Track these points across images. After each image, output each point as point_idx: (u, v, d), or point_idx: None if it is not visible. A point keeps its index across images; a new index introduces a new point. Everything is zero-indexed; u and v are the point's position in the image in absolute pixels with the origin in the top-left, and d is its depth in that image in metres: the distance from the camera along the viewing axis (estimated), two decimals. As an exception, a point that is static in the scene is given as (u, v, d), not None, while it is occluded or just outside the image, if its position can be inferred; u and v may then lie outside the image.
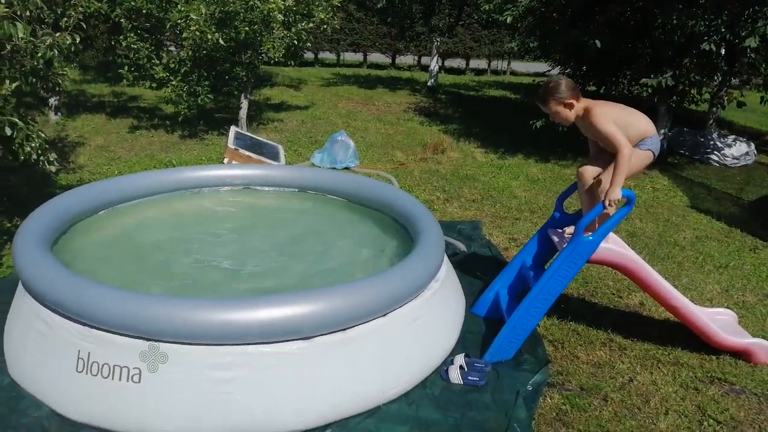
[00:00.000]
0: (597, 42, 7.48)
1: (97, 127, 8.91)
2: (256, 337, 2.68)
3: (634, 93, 8.75)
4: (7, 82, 4.59)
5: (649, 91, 7.78)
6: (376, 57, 20.50)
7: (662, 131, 8.62)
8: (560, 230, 3.84)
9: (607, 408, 3.02)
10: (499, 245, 5.18)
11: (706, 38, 7.00)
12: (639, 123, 3.43)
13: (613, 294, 4.36)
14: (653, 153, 3.48)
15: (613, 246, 3.47)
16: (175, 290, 3.45)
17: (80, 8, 5.59)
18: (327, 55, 20.50)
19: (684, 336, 3.62)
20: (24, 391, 2.92)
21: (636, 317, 4.04)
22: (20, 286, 3.20)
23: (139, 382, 2.66)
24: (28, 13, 4.47)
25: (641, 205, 6.52)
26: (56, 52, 4.63)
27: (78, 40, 4.80)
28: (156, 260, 3.81)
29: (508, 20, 8.55)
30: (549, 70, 9.97)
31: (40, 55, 4.53)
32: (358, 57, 20.56)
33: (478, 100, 14.07)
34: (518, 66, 20.89)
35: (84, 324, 2.73)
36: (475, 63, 20.92)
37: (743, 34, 6.77)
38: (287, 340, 2.75)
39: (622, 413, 2.98)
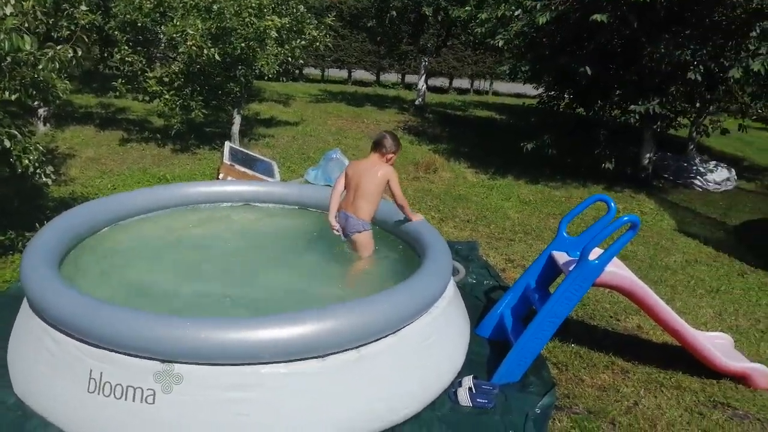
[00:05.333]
0: (587, 69, 7.66)
1: (86, 139, 8.80)
2: (270, 357, 2.68)
3: (621, 119, 8.98)
4: (7, 93, 4.54)
5: (636, 117, 7.99)
6: (360, 74, 20.66)
7: (647, 155, 8.85)
8: (564, 253, 3.91)
9: None
10: (497, 266, 5.24)
11: (692, 67, 7.24)
12: None
13: (611, 317, 4.44)
14: None
15: (617, 269, 3.55)
16: (174, 311, 3.41)
17: (80, 20, 5.54)
18: (311, 71, 20.61)
19: (684, 360, 3.70)
20: (31, 410, 2.85)
21: (635, 340, 4.12)
22: (25, 303, 3.14)
23: (154, 403, 2.63)
24: (26, 25, 4.45)
25: (630, 228, 6.66)
26: (57, 64, 4.60)
27: (80, 53, 4.78)
28: (156, 279, 3.76)
29: (500, 44, 8.72)
30: (539, 94, 10.16)
31: (41, 67, 4.50)
32: (342, 73, 20.71)
33: (464, 120, 14.26)
34: (500, 86, 21.23)
35: (96, 346, 2.69)
36: (457, 82, 21.22)
37: (727, 64, 7.02)
38: (301, 359, 2.74)
39: (631, 437, 3.03)
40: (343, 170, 4.23)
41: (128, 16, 7.83)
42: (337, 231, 4.20)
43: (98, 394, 2.68)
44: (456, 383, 3.33)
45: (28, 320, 3.04)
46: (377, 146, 4.13)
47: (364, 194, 4.06)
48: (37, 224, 4.73)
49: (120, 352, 2.65)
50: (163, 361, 2.63)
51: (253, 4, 7.71)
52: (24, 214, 5.35)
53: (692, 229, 6.84)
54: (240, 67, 8.33)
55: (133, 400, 2.64)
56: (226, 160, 6.54)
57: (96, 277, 3.66)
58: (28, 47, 3.85)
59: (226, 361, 2.64)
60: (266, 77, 8.60)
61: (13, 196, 5.83)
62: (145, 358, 2.64)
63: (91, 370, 2.70)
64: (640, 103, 7.81)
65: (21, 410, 2.86)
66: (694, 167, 9.18)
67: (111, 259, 3.98)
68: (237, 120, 8.91)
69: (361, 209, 4.08)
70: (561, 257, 3.86)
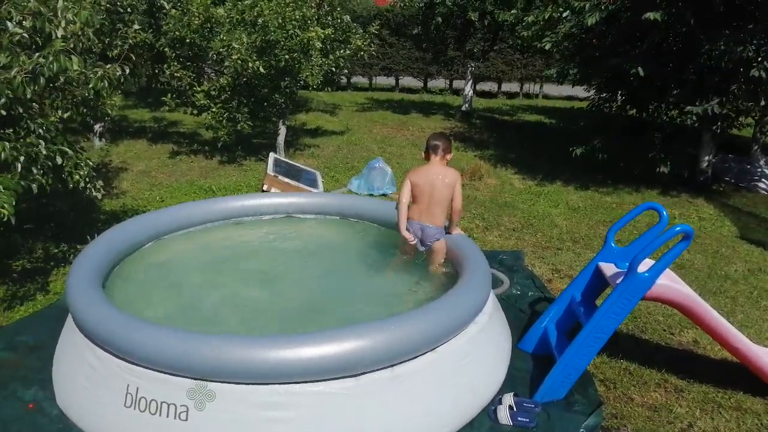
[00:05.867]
0: (640, 69, 7.35)
1: (139, 153, 9.11)
2: (303, 376, 2.64)
3: (678, 121, 8.56)
4: (59, 111, 4.73)
5: (694, 118, 7.60)
6: (407, 81, 20.64)
7: (706, 158, 8.41)
8: (612, 264, 3.72)
9: (667, 456, 2.88)
10: (542, 276, 5.06)
11: (755, 64, 6.82)
12: None
13: (665, 330, 4.20)
14: None
15: (670, 282, 3.34)
16: (216, 327, 3.42)
17: (130, 40, 5.73)
18: (359, 79, 20.75)
19: (745, 378, 3.44)
20: (72, 423, 2.92)
21: (691, 356, 3.87)
22: (70, 319, 3.23)
23: (186, 420, 2.64)
24: (81, 45, 4.61)
25: (688, 235, 6.32)
26: (106, 83, 4.75)
27: (128, 71, 4.93)
28: (196, 295, 3.78)
29: (548, 47, 8.49)
30: (589, 97, 9.82)
31: (91, 86, 4.66)
32: (390, 81, 20.75)
33: (512, 125, 13.99)
34: (551, 89, 20.77)
35: (133, 363, 2.73)
36: (506, 86, 20.88)
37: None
38: (335, 378, 2.69)
39: (685, 462, 2.83)
40: (407, 180, 4.07)
41: (177, 32, 8.06)
42: (413, 241, 4.13)
43: (134, 409, 2.71)
44: (496, 401, 3.21)
45: (71, 334, 3.12)
46: (435, 149, 4.03)
47: (439, 202, 3.99)
48: (88, 237, 4.92)
49: (154, 370, 2.67)
50: (195, 380, 2.64)
51: (297, 17, 7.80)
52: (77, 228, 5.56)
53: (756, 235, 6.43)
54: (285, 79, 8.44)
55: (167, 416, 2.65)
56: (270, 171, 6.62)
57: (141, 292, 3.72)
58: (75, 67, 3.98)
59: (257, 380, 2.62)
60: (311, 88, 8.67)
61: (68, 210, 6.07)
62: (179, 376, 2.66)
63: (128, 385, 2.74)
64: (697, 103, 7.42)
65: (62, 423, 2.93)
66: (759, 169, 8.65)
67: (156, 273, 4.04)
68: (282, 131, 9.02)
69: (437, 217, 4.03)
70: (608, 269, 3.67)
